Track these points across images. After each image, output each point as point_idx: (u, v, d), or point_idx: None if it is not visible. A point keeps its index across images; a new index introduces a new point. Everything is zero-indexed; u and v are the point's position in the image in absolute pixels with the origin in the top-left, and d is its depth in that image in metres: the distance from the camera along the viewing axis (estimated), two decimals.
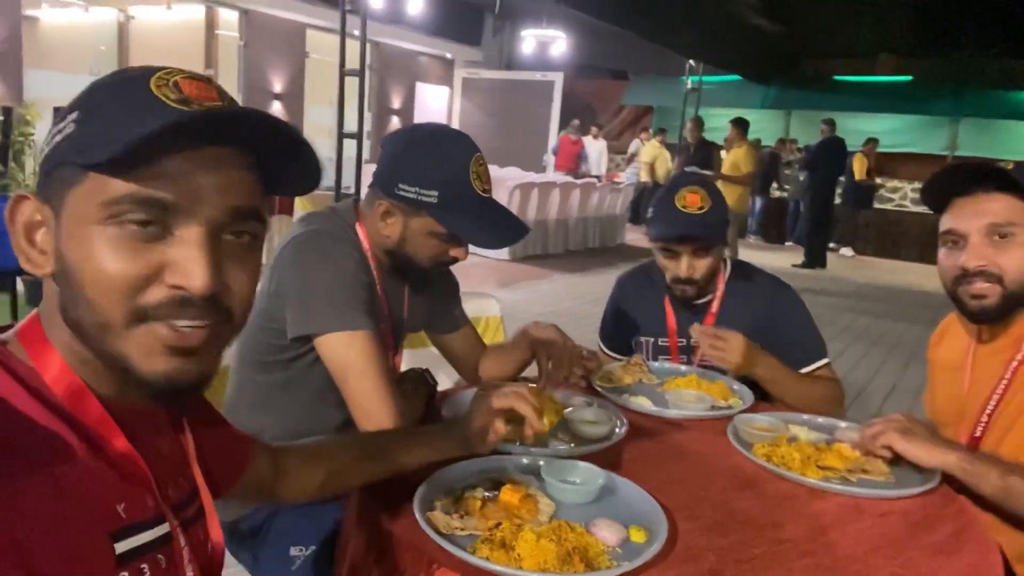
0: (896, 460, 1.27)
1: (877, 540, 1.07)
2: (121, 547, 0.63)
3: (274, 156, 0.66)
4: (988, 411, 1.33)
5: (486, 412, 1.10)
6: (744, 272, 1.84)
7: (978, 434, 1.34)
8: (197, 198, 0.61)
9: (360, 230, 1.37)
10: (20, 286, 3.97)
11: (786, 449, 1.31)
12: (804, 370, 1.71)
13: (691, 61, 11.27)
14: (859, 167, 10.46)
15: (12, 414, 0.60)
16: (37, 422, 0.60)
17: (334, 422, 1.35)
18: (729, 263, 1.84)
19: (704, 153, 7.38)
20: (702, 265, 1.70)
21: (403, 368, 1.51)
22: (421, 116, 13.88)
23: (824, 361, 1.73)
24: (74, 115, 0.63)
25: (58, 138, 0.63)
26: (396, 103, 13.54)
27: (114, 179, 0.59)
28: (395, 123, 13.68)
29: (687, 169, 7.14)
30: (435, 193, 1.26)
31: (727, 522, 1.09)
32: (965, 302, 1.31)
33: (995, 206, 1.26)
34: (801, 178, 10.62)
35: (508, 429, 1.10)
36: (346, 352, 1.22)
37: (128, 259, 0.60)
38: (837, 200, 10.26)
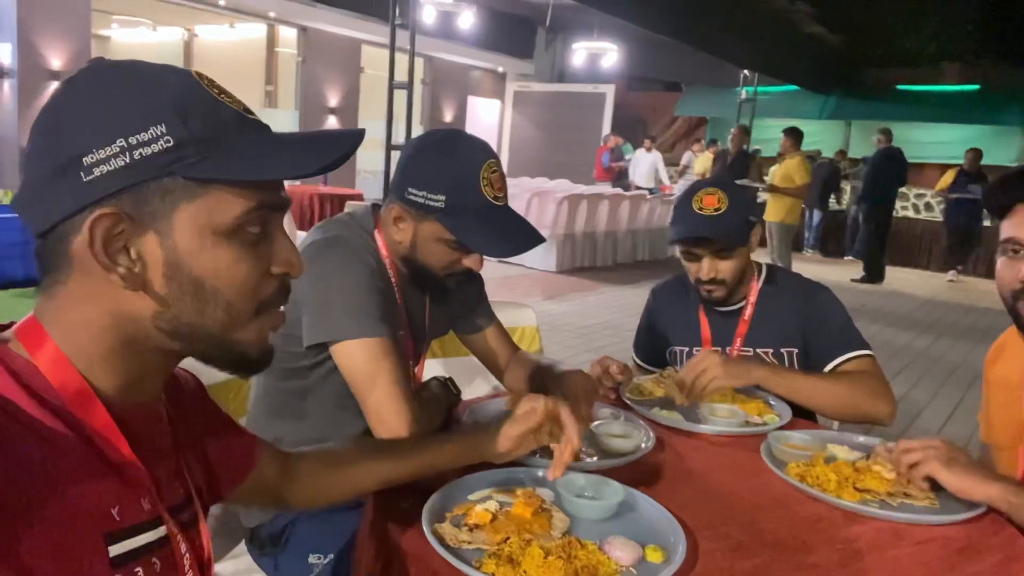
0: (939, 485, 1.19)
1: (913, 569, 1.00)
2: (115, 550, 0.63)
3: None
4: None
5: (519, 427, 1.07)
6: (778, 277, 1.79)
7: None
8: (280, 196, 0.70)
9: (379, 237, 1.36)
10: None
11: (822, 469, 1.24)
12: (837, 359, 1.64)
13: (745, 72, 11.08)
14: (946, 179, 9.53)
15: (9, 412, 0.60)
16: (34, 421, 0.60)
17: (354, 430, 1.34)
18: (764, 269, 1.79)
19: (742, 163, 7.22)
20: (725, 267, 1.66)
21: (425, 377, 1.49)
22: (473, 129, 13.92)
23: (858, 352, 1.65)
24: (162, 127, 0.61)
25: (147, 150, 0.61)
26: (448, 116, 13.69)
27: (244, 190, 0.65)
28: None
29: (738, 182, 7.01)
30: (442, 198, 1.24)
31: (752, 544, 1.03)
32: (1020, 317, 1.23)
33: None
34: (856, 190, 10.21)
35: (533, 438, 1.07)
36: (361, 360, 1.21)
37: (253, 260, 0.67)
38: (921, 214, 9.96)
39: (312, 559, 1.28)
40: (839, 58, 12.93)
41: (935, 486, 1.18)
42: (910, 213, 11.61)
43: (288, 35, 11.47)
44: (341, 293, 1.24)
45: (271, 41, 11.78)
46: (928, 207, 11.80)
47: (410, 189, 1.27)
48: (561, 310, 6.05)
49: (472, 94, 14.20)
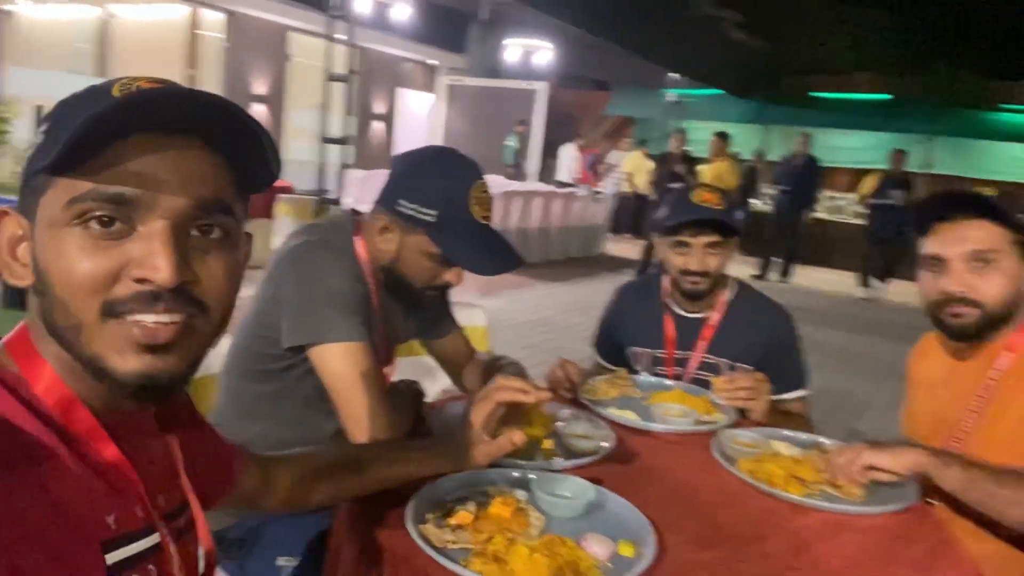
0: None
1: (858, 555, 1.09)
2: (112, 558, 0.64)
3: (237, 148, 0.66)
4: (965, 427, 1.36)
5: (474, 432, 1.12)
6: (747, 294, 1.88)
7: (955, 449, 1.38)
8: (157, 191, 0.62)
9: (359, 244, 1.38)
10: None
11: (769, 465, 1.33)
12: (787, 395, 1.76)
13: (673, 75, 11.39)
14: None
15: (1, 423, 0.60)
16: (26, 431, 0.61)
17: (325, 432, 1.35)
18: (736, 284, 1.88)
19: (689, 165, 7.46)
20: (713, 261, 1.75)
21: (394, 379, 1.52)
22: (404, 122, 13.89)
23: (805, 392, 1.80)
24: (44, 126, 0.64)
25: (31, 152, 0.64)
26: (379, 108, 13.53)
27: (77, 180, 0.60)
28: (377, 128, 13.67)
29: (671, 185, 7.20)
30: (433, 213, 1.28)
31: (713, 537, 1.11)
32: (946, 322, 1.35)
33: (976, 233, 1.30)
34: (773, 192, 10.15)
35: (507, 438, 1.12)
36: (340, 363, 1.23)
37: (94, 257, 0.61)
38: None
39: (281, 561, 1.29)
40: (760, 65, 13.43)
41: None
42: (823, 216, 12.17)
43: (213, 18, 11.08)
44: (325, 296, 1.25)
45: (193, 23, 11.36)
46: (840, 210, 12.42)
47: (401, 201, 1.29)
48: (496, 307, 6.11)
49: (403, 86, 14.07)
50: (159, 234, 0.62)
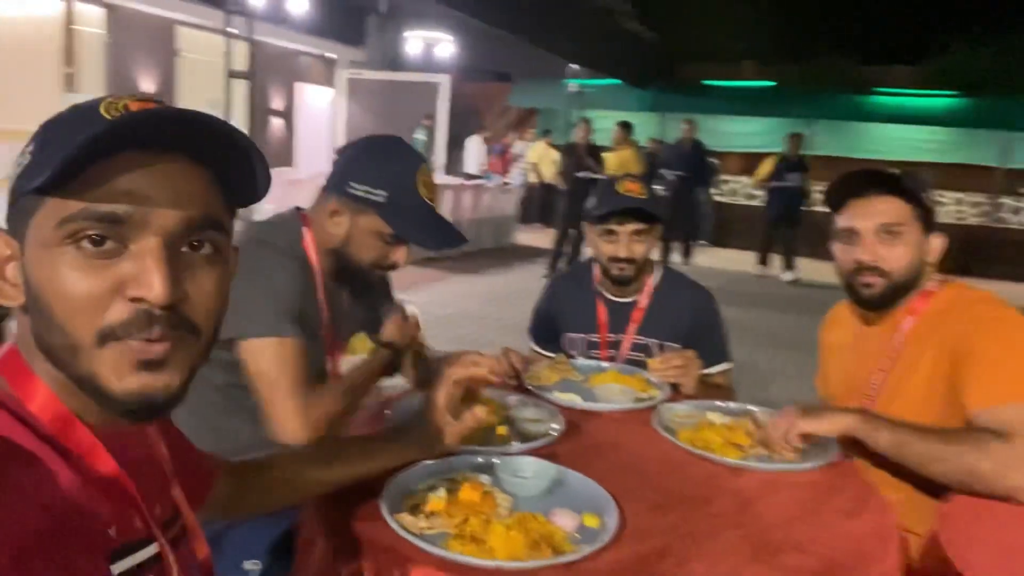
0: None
1: (794, 509, 1.21)
2: (117, 568, 0.65)
3: (225, 165, 0.67)
4: (874, 386, 1.51)
5: (439, 413, 1.17)
6: (671, 277, 2.01)
7: (866, 406, 1.53)
8: (148, 209, 0.62)
9: (307, 234, 1.42)
10: None
11: (706, 433, 1.44)
12: (713, 369, 1.88)
13: (573, 65, 11.61)
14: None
15: (1, 443, 0.60)
16: (26, 449, 0.61)
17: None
18: (659, 268, 1.99)
19: (595, 154, 7.64)
20: (639, 248, 1.86)
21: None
22: (304, 117, 13.52)
23: (729, 365, 1.94)
24: (31, 147, 0.64)
25: (18, 170, 0.64)
26: (277, 104, 13.13)
27: (68, 200, 0.60)
28: (276, 125, 13.26)
29: (579, 175, 7.36)
30: (383, 193, 1.35)
31: (665, 503, 1.19)
32: (858, 290, 1.50)
33: (885, 207, 1.45)
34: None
35: (471, 415, 1.18)
36: (264, 358, 1.26)
37: (88, 277, 0.61)
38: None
39: (248, 565, 1.29)
40: (655, 54, 13.90)
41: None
42: (721, 199, 12.74)
43: (91, 13, 10.42)
44: (254, 292, 1.28)
45: (67, 19, 10.66)
46: (734, 193, 13.05)
47: (352, 184, 1.36)
48: (415, 301, 6.11)
49: (301, 81, 13.69)
50: (152, 252, 0.62)
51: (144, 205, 0.62)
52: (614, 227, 1.85)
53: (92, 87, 10.61)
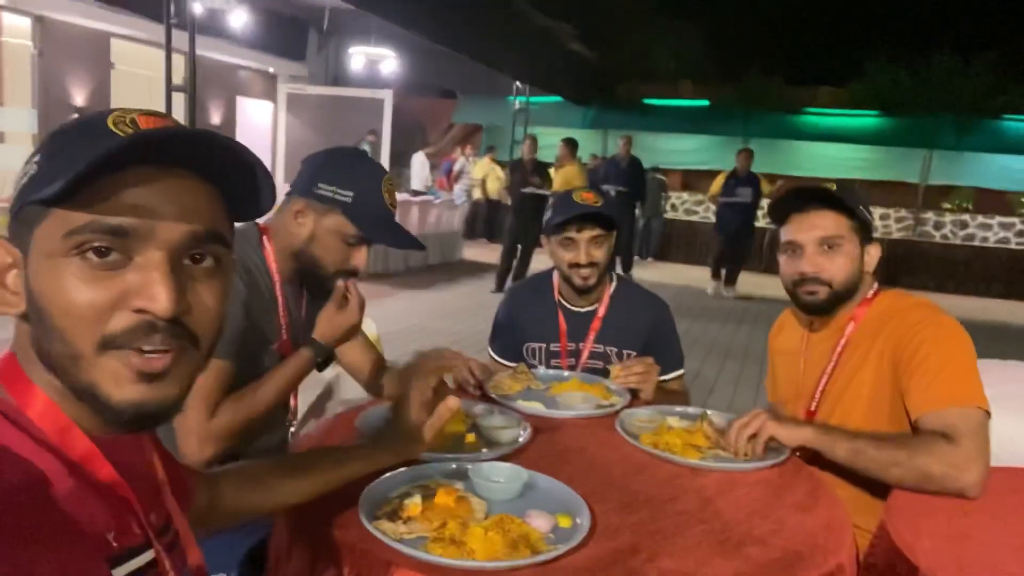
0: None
1: (752, 505, 1.27)
2: (118, 573, 0.65)
3: (230, 180, 0.69)
4: (820, 388, 1.60)
5: (415, 409, 1.18)
6: (627, 287, 2.07)
7: (813, 408, 1.61)
8: (154, 223, 0.63)
9: (266, 242, 1.45)
10: None
11: (667, 436, 1.49)
12: (666, 376, 1.95)
13: (517, 83, 11.76)
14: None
15: (2, 451, 0.61)
16: (25, 458, 0.62)
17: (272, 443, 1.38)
18: (616, 278, 2.05)
19: (540, 171, 7.74)
20: (598, 254, 1.92)
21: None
22: (244, 132, 13.29)
23: (682, 371, 2.02)
24: (37, 157, 0.65)
25: (24, 180, 0.65)
26: (216, 119, 12.88)
27: (74, 212, 0.61)
28: None
29: (525, 191, 7.44)
30: (350, 193, 1.40)
31: (632, 503, 1.24)
32: (801, 299, 1.59)
33: (824, 221, 1.54)
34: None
35: (444, 406, 1.19)
36: None
37: (93, 288, 0.62)
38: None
39: None
40: (596, 73, 14.22)
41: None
42: (667, 215, 13.04)
43: (17, 24, 10.05)
44: None
45: None
46: (673, 208, 13.39)
47: (320, 184, 1.40)
48: (370, 315, 6.06)
49: (241, 95, 13.48)
50: (157, 265, 0.63)
51: (150, 219, 0.63)
52: (572, 235, 1.90)
53: (19, 100, 10.21)
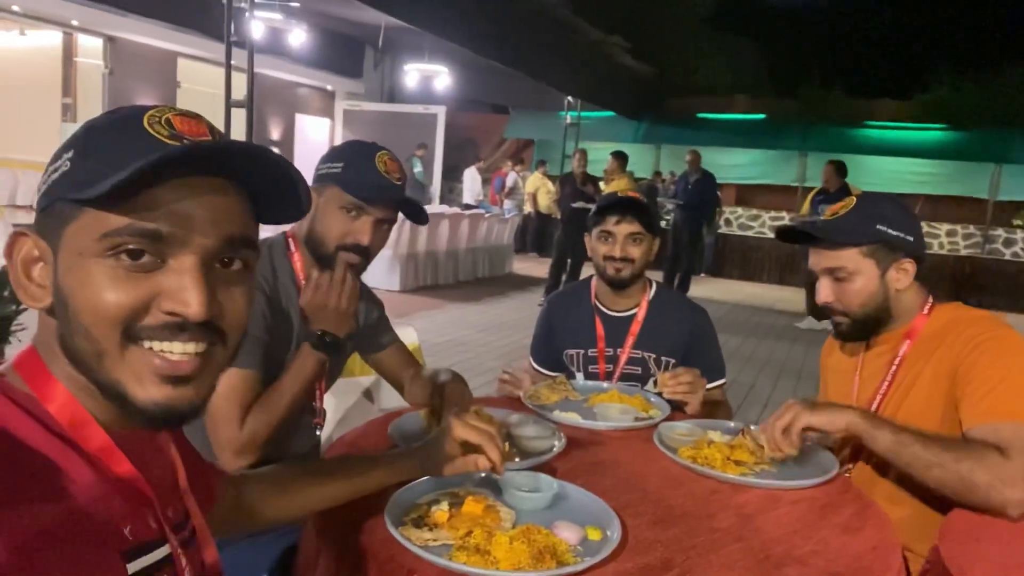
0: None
1: (794, 524, 1.21)
2: (133, 567, 0.65)
3: (265, 186, 0.70)
4: (874, 406, 1.52)
5: (454, 443, 1.14)
6: (666, 293, 2.04)
7: None
8: (190, 228, 0.64)
9: (291, 244, 1.49)
10: None
11: (707, 451, 1.44)
12: (709, 385, 1.88)
13: (569, 97, 11.77)
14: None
15: (19, 443, 0.61)
16: (43, 450, 0.62)
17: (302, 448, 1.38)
18: (654, 284, 2.01)
19: (591, 184, 7.72)
20: (634, 251, 1.89)
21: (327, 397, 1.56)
22: (302, 148, 13.65)
23: (724, 381, 1.96)
24: (70, 153, 0.65)
25: (55, 176, 0.65)
26: (276, 134, 13.27)
27: (110, 213, 0.62)
28: None
29: (575, 204, 7.42)
30: (340, 164, 1.42)
31: (667, 517, 1.20)
32: (833, 328, 1.57)
33: (830, 254, 1.50)
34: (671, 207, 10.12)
35: (473, 460, 1.13)
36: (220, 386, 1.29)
37: (124, 289, 0.62)
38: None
39: None
40: (648, 87, 14.13)
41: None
42: (721, 230, 12.84)
43: (91, 44, 10.56)
44: None
45: (68, 50, 10.79)
46: (727, 223, 13.16)
47: (318, 167, 1.45)
48: (415, 327, 6.10)
49: (300, 112, 13.85)
50: (190, 270, 0.64)
51: (187, 224, 0.64)
52: (611, 228, 1.89)
53: (91, 117, 10.70)
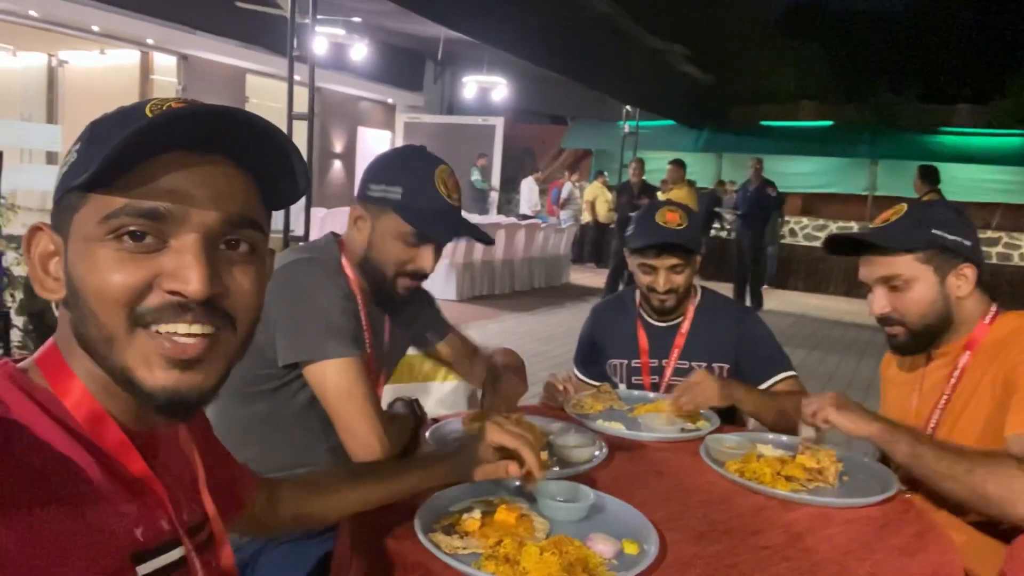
0: (847, 471, 1.37)
1: (848, 544, 1.14)
2: (142, 570, 0.65)
3: (265, 165, 0.68)
4: (934, 420, 1.44)
5: (488, 447, 1.13)
6: (711, 298, 1.96)
7: None
8: (190, 207, 0.63)
9: (344, 260, 1.41)
10: None
11: (756, 465, 1.38)
12: (771, 380, 1.81)
13: (627, 107, 11.68)
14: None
15: (34, 441, 0.61)
16: (58, 448, 0.62)
17: (317, 452, 1.36)
18: (700, 290, 1.95)
19: (648, 193, 7.63)
20: (678, 280, 1.82)
21: (385, 398, 1.54)
22: (363, 160, 13.93)
23: (789, 374, 1.83)
24: (78, 146, 0.66)
25: (64, 169, 0.66)
26: (338, 147, 13.59)
27: (111, 196, 0.62)
28: (337, 167, 13.70)
29: (633, 214, 7.34)
30: (399, 190, 1.32)
31: (710, 533, 1.15)
32: (888, 341, 1.48)
33: (883, 261, 1.42)
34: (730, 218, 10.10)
35: (505, 466, 1.12)
36: (336, 378, 1.25)
37: (127, 270, 0.62)
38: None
39: None
40: (709, 95, 13.90)
41: (845, 472, 1.36)
42: (786, 240, 12.50)
43: (165, 63, 11.04)
44: (317, 313, 1.27)
45: (145, 68, 11.31)
46: (792, 233, 12.79)
47: (370, 185, 1.35)
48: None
49: (362, 125, 14.16)
50: (191, 247, 0.63)
51: (185, 202, 0.63)
52: (651, 262, 1.82)
53: None
